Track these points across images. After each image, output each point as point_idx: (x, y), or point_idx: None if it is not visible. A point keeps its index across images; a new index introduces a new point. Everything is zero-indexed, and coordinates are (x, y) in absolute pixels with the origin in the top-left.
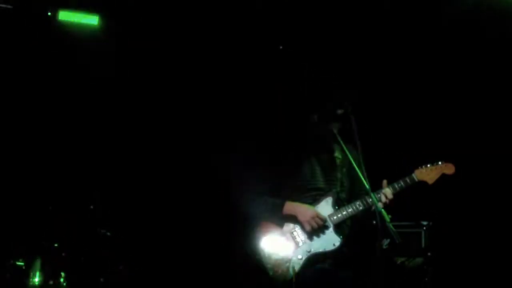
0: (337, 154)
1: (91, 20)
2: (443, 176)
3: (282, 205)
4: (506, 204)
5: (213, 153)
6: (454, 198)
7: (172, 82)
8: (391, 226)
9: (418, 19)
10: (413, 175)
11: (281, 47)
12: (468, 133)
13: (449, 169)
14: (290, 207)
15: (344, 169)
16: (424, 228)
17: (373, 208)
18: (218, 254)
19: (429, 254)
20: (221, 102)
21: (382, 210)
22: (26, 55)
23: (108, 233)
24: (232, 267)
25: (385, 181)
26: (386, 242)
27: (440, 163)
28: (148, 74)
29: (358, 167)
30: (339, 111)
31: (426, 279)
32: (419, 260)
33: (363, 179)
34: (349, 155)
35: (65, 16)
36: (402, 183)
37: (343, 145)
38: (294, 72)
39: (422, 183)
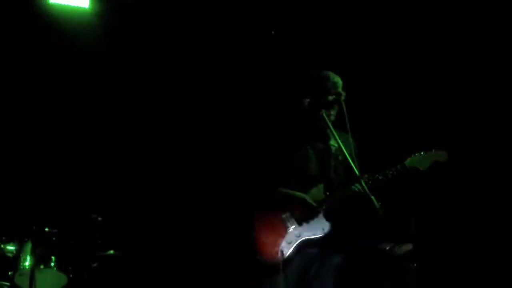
0: (332, 141)
1: (82, 2)
2: (436, 164)
3: (273, 192)
4: (497, 190)
5: (205, 142)
6: (444, 184)
7: (163, 65)
8: (381, 213)
9: (408, 7)
10: (405, 162)
11: (273, 33)
12: (462, 121)
13: (442, 156)
14: (282, 193)
15: (340, 157)
16: (414, 213)
17: (363, 194)
18: (209, 239)
19: (418, 239)
20: (212, 89)
21: (372, 197)
22: (15, 38)
23: (100, 218)
24: (221, 251)
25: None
26: (375, 227)
27: (433, 150)
28: (139, 58)
29: (349, 154)
30: (330, 98)
31: (415, 264)
32: (407, 246)
33: (353, 166)
34: (340, 142)
35: None
36: (394, 170)
37: (334, 132)
38: (286, 58)
39: (415, 170)
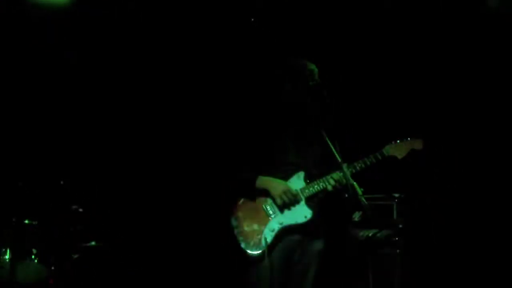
0: (310, 129)
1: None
2: (413, 151)
3: (254, 180)
4: (477, 177)
5: (185, 132)
6: (425, 169)
7: (145, 61)
8: (363, 199)
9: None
10: (383, 150)
11: (252, 19)
12: (440, 108)
13: (418, 144)
14: (262, 181)
15: (317, 145)
16: (396, 200)
17: (345, 181)
18: (191, 228)
19: (400, 226)
20: (193, 80)
21: (355, 183)
22: None
23: (80, 209)
24: (205, 240)
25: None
26: (357, 215)
27: (409, 139)
28: (121, 52)
29: (330, 140)
30: (311, 83)
31: (398, 251)
32: (389, 232)
33: (335, 152)
34: (321, 128)
35: None
36: (373, 158)
37: (316, 118)
38: (266, 44)
39: (392, 158)
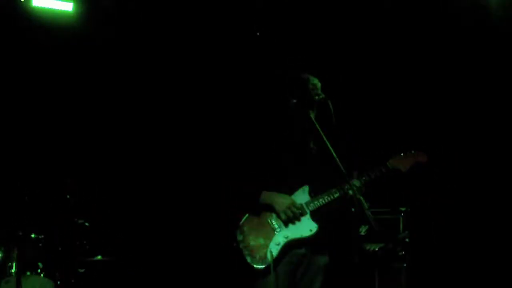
0: (312, 144)
1: (66, 6)
2: (419, 165)
3: (258, 195)
4: (483, 190)
5: (190, 147)
6: (432, 183)
7: (147, 68)
8: (370, 214)
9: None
10: (387, 163)
11: (258, 34)
12: (442, 122)
13: (422, 157)
14: (267, 196)
15: (320, 159)
16: (402, 214)
17: (351, 195)
18: (196, 242)
19: (406, 240)
20: (197, 90)
21: (361, 197)
22: None
23: (86, 223)
24: (210, 254)
25: (355, 173)
26: (364, 229)
27: (413, 151)
28: (123, 63)
29: (336, 154)
30: (317, 98)
31: (404, 265)
32: (395, 246)
33: (340, 166)
34: (327, 142)
35: (39, 2)
36: (377, 171)
37: (321, 133)
38: (272, 59)
39: (396, 171)
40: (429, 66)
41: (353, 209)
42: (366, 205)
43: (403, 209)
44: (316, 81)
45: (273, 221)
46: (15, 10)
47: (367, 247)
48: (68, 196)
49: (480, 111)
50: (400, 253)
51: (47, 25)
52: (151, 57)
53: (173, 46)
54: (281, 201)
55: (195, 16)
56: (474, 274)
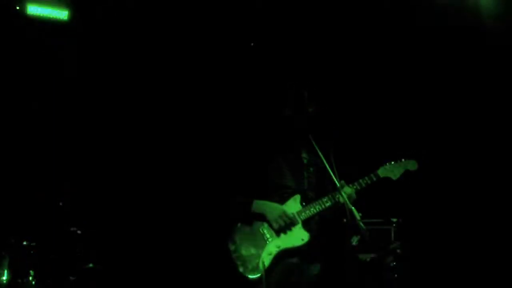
0: (304, 154)
1: (61, 14)
2: (409, 173)
3: (250, 204)
4: (474, 199)
5: (181, 157)
6: (423, 194)
7: (140, 76)
8: (361, 224)
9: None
10: (378, 172)
11: (252, 44)
12: (433, 130)
13: (412, 165)
14: (258, 205)
15: (311, 168)
16: (394, 225)
17: (342, 204)
18: (189, 251)
19: (398, 251)
20: (191, 101)
21: (353, 208)
22: None
23: (78, 231)
24: (203, 264)
25: (342, 181)
26: (355, 239)
27: (403, 160)
28: (118, 71)
29: (328, 164)
30: (310, 109)
31: (396, 275)
32: (387, 256)
33: (333, 176)
34: (319, 152)
35: (34, 10)
36: (367, 180)
37: (314, 143)
38: (266, 69)
39: (387, 179)
40: (417, 75)
41: (344, 220)
42: (358, 215)
43: (394, 219)
44: (303, 91)
45: (265, 231)
46: (10, 17)
47: (359, 257)
48: (60, 204)
49: (471, 119)
50: (392, 264)
51: (42, 32)
52: (147, 65)
53: (168, 54)
54: (272, 210)
55: (189, 26)
56: (467, 283)
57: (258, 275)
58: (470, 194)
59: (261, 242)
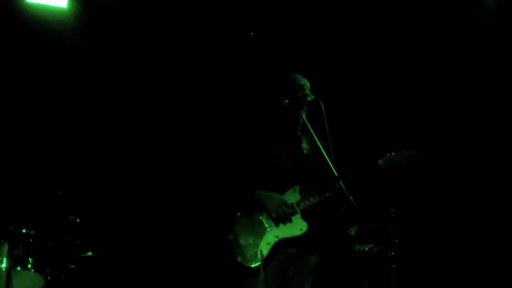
0: (304, 144)
1: (60, 2)
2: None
3: (250, 194)
4: (473, 190)
5: (181, 145)
6: (422, 184)
7: (142, 67)
8: (359, 214)
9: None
10: (378, 162)
11: (252, 34)
12: (433, 121)
13: (412, 156)
14: (258, 195)
15: (312, 159)
16: (392, 215)
17: (341, 195)
18: (187, 240)
19: (396, 240)
20: (190, 90)
21: (351, 197)
22: None
23: (77, 219)
24: (202, 253)
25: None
26: (354, 229)
27: (403, 150)
28: (118, 59)
29: (327, 154)
30: (309, 98)
31: (394, 265)
32: (385, 246)
33: (331, 166)
34: (318, 142)
35: None
36: (367, 171)
37: (313, 133)
38: (265, 59)
39: (387, 170)
40: (417, 66)
41: (342, 209)
42: (355, 205)
43: (393, 209)
44: (304, 81)
45: (263, 220)
46: (9, 6)
47: (357, 248)
48: (59, 192)
49: (471, 110)
50: (390, 254)
51: (41, 21)
52: (146, 55)
53: (169, 45)
54: (272, 200)
55: (188, 15)
56: (464, 275)
57: (257, 264)
58: (470, 184)
59: (260, 232)
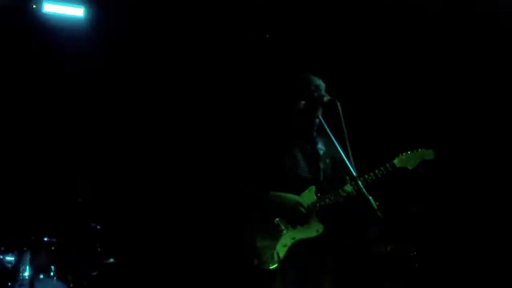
0: (320, 145)
1: (77, 11)
2: (425, 163)
3: (266, 195)
4: (493, 188)
5: (197, 149)
6: (442, 185)
7: (156, 74)
8: (380, 213)
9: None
10: (393, 161)
11: (267, 36)
12: (450, 120)
13: (429, 155)
14: (274, 197)
15: (327, 160)
16: (414, 214)
17: (359, 195)
18: (206, 245)
19: (419, 241)
20: (205, 93)
21: (370, 197)
22: (9, 48)
23: (99, 227)
24: (219, 256)
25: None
26: (375, 229)
27: (420, 149)
28: (133, 67)
29: (345, 154)
30: (326, 98)
31: (416, 265)
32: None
33: (350, 166)
34: (335, 142)
35: (50, 8)
36: (383, 170)
37: (330, 133)
38: (281, 60)
39: (403, 169)
40: (433, 65)
41: (362, 209)
42: (375, 205)
43: (413, 209)
44: (319, 81)
45: (279, 222)
46: (26, 16)
47: (378, 248)
48: (80, 200)
49: (485, 110)
50: (412, 254)
51: (58, 30)
52: (161, 60)
53: (182, 49)
54: (288, 201)
55: (203, 20)
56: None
57: (273, 266)
58: (488, 183)
59: (276, 234)
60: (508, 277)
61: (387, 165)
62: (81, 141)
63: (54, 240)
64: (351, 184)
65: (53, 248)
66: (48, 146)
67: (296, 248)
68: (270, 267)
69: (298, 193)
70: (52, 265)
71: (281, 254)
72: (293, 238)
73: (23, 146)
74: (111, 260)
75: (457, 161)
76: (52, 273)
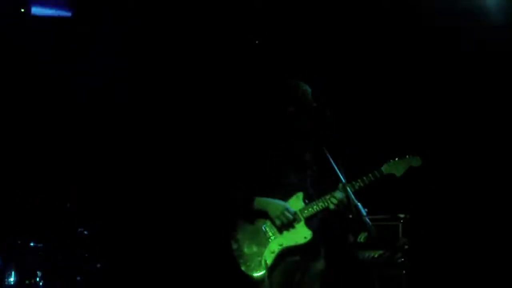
0: (308, 151)
1: (65, 14)
2: (413, 169)
3: (252, 201)
4: (481, 194)
5: (184, 155)
6: (430, 189)
7: (149, 73)
8: (368, 220)
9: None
10: (381, 168)
11: (257, 42)
12: (437, 126)
13: (416, 161)
14: (261, 203)
15: (315, 166)
16: (401, 221)
17: (347, 201)
18: (194, 251)
19: (406, 247)
20: (195, 97)
21: (359, 203)
22: None
23: (85, 232)
24: (206, 263)
25: (340, 185)
26: (363, 235)
27: (407, 156)
28: (122, 69)
29: (333, 160)
30: (315, 104)
31: (404, 272)
32: (394, 253)
33: (338, 172)
34: (324, 149)
35: (38, 11)
36: (371, 177)
37: (318, 139)
38: (270, 66)
39: (391, 176)
40: (421, 71)
41: (350, 216)
42: (364, 211)
43: (402, 215)
44: (305, 87)
45: (267, 228)
46: (15, 19)
47: (366, 254)
48: (67, 205)
49: (474, 115)
50: (399, 260)
51: (46, 33)
52: (152, 62)
53: (173, 51)
54: (275, 207)
55: (196, 25)
56: (473, 280)
57: (261, 273)
58: (476, 189)
59: (264, 240)
60: (496, 284)
61: (375, 172)
62: (69, 146)
63: (40, 245)
64: (340, 191)
65: (39, 253)
66: (35, 152)
67: (284, 254)
68: (258, 274)
69: (286, 199)
70: (38, 270)
71: (269, 261)
72: (281, 245)
73: (11, 149)
74: (98, 265)
75: (445, 168)
76: (38, 279)
